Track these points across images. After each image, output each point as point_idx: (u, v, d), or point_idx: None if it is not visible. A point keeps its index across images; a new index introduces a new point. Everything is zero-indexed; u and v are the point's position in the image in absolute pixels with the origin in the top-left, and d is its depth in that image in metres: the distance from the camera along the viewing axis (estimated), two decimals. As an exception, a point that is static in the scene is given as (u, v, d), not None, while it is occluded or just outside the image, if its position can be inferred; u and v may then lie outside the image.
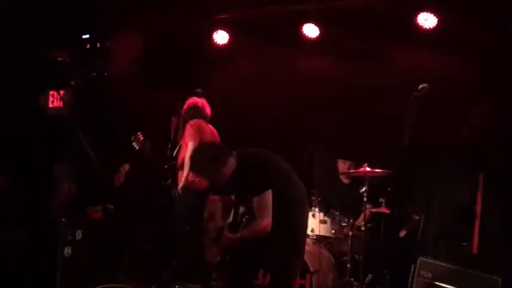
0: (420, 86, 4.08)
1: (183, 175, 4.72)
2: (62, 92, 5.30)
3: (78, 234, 4.61)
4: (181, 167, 4.80)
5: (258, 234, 3.37)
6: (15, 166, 5.28)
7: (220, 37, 5.97)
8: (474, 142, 4.63)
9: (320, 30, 5.60)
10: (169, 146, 4.80)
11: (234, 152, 3.54)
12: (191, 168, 3.70)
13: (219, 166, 3.43)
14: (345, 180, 5.25)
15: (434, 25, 5.11)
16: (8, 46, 5.27)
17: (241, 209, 3.65)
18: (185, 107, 4.95)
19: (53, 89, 5.59)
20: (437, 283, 4.07)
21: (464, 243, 4.46)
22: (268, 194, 3.37)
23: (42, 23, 5.35)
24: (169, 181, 4.83)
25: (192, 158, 3.61)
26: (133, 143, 4.95)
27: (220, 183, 3.52)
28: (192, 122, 4.88)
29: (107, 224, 4.85)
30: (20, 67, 5.41)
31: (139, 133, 4.96)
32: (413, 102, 4.03)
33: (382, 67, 5.41)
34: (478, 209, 4.44)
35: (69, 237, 4.60)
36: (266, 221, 3.34)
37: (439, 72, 5.02)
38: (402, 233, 4.78)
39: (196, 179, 4.56)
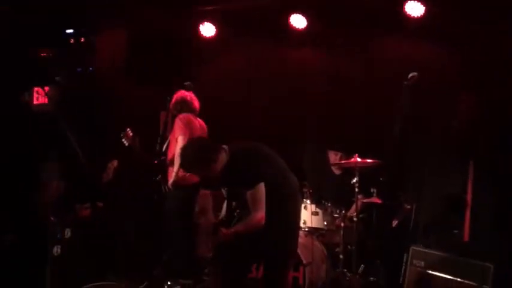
0: (410, 75, 4.08)
1: (174, 170, 4.66)
2: (46, 88, 5.20)
3: (67, 233, 4.57)
4: (172, 162, 4.75)
5: (252, 228, 3.36)
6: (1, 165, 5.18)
7: (207, 29, 5.91)
8: (463, 130, 4.64)
9: (307, 21, 5.56)
10: (159, 141, 4.75)
11: (225, 147, 3.50)
12: (181, 165, 3.65)
13: (209, 162, 3.40)
14: (336, 171, 5.24)
15: (422, 14, 5.11)
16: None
17: (233, 203, 3.63)
18: (173, 101, 4.89)
19: (37, 86, 5.48)
20: (430, 271, 4.09)
21: (455, 231, 4.48)
22: (261, 187, 3.35)
23: (25, 18, 5.24)
24: (160, 177, 4.78)
25: (181, 154, 3.57)
26: (123, 139, 4.88)
27: (211, 178, 3.49)
28: (181, 116, 4.82)
29: (96, 221, 4.80)
30: (4, 64, 5.30)
31: (128, 129, 4.90)
32: (403, 91, 4.02)
33: (370, 57, 5.40)
34: (469, 197, 4.46)
35: (58, 236, 4.55)
36: (260, 214, 3.33)
37: (428, 61, 5.02)
38: (394, 223, 4.79)
39: (187, 174, 4.51)
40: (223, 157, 3.43)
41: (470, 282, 3.90)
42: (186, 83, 4.91)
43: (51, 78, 5.22)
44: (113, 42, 5.81)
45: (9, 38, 5.26)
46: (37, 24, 5.34)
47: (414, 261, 4.17)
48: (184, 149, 3.54)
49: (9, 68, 5.33)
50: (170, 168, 4.78)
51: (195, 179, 4.50)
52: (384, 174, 4.59)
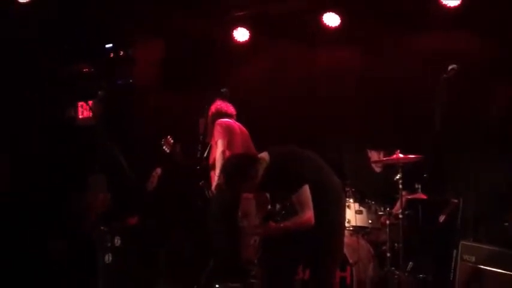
0: (449, 67, 3.99)
1: (216, 174, 4.73)
2: (90, 102, 5.39)
3: (117, 241, 4.70)
4: (213, 167, 4.82)
5: (301, 226, 3.37)
6: (50, 177, 5.40)
7: (241, 34, 5.96)
8: (504, 118, 4.49)
9: (341, 19, 5.52)
10: (200, 148, 4.81)
11: (264, 154, 3.52)
12: (225, 185, 3.71)
13: (251, 178, 3.43)
14: (377, 169, 5.18)
15: (458, 3, 5.00)
16: (34, 61, 5.39)
17: (277, 206, 3.65)
18: (210, 113, 4.96)
19: (81, 100, 5.70)
20: (482, 266, 3.97)
21: (506, 224, 4.34)
22: (305, 189, 3.36)
23: (66, 36, 5.45)
24: (203, 182, 4.85)
25: (223, 175, 3.62)
26: (164, 147, 4.99)
27: (252, 190, 3.53)
28: (220, 121, 4.88)
29: (143, 230, 4.92)
30: (48, 81, 5.53)
31: (169, 136, 5.00)
32: (442, 84, 3.94)
33: (406, 51, 5.31)
34: (518, 188, 4.32)
35: (109, 244, 4.69)
36: (308, 214, 3.34)
37: (465, 51, 4.89)
38: (441, 218, 4.69)
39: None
40: (262, 166, 3.45)
41: (525, 276, 3.78)
42: (222, 90, 4.96)
43: (94, 92, 5.41)
44: (150, 53, 5.95)
45: (53, 56, 5.49)
46: (78, 41, 5.55)
47: (464, 257, 4.05)
48: (223, 168, 3.59)
49: (54, 85, 5.57)
50: (212, 173, 4.85)
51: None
52: (427, 170, 4.49)
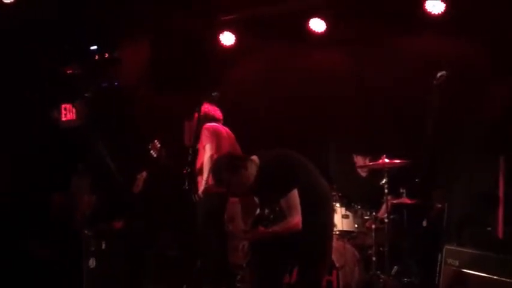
0: (439, 74, 4.05)
1: (203, 178, 4.72)
2: (75, 104, 5.33)
3: (102, 245, 4.65)
4: (200, 171, 4.81)
5: (289, 230, 3.39)
6: (34, 179, 5.31)
7: (226, 38, 5.96)
8: (496, 119, 4.56)
9: (327, 24, 5.56)
10: (191, 152, 4.79)
11: (254, 157, 3.53)
12: (215, 180, 3.70)
13: (240, 169, 3.42)
14: (363, 174, 5.23)
15: (443, 10, 5.08)
16: (18, 62, 5.31)
17: (266, 210, 3.65)
18: (197, 117, 4.93)
19: (65, 102, 5.63)
20: (465, 270, 4.03)
21: (489, 229, 4.43)
22: (294, 193, 3.38)
23: (50, 37, 5.38)
24: (188, 185, 4.81)
25: (213, 168, 3.62)
26: (151, 151, 4.95)
27: (243, 191, 3.53)
28: (207, 125, 4.88)
29: (130, 233, 4.87)
30: (32, 82, 5.44)
31: (156, 141, 4.97)
32: (433, 91, 4.00)
33: (395, 57, 5.36)
34: (501, 192, 4.40)
35: (93, 248, 4.64)
36: (297, 218, 3.37)
37: (455, 55, 4.96)
38: (425, 222, 4.75)
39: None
40: (252, 167, 3.46)
41: (507, 280, 3.85)
42: (213, 94, 4.95)
43: (78, 94, 5.35)
44: (136, 55, 5.90)
45: (36, 57, 5.41)
46: (62, 42, 5.48)
47: (448, 261, 4.11)
48: (214, 167, 3.60)
49: (37, 86, 5.48)
50: (199, 177, 4.83)
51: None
52: (419, 174, 4.53)
